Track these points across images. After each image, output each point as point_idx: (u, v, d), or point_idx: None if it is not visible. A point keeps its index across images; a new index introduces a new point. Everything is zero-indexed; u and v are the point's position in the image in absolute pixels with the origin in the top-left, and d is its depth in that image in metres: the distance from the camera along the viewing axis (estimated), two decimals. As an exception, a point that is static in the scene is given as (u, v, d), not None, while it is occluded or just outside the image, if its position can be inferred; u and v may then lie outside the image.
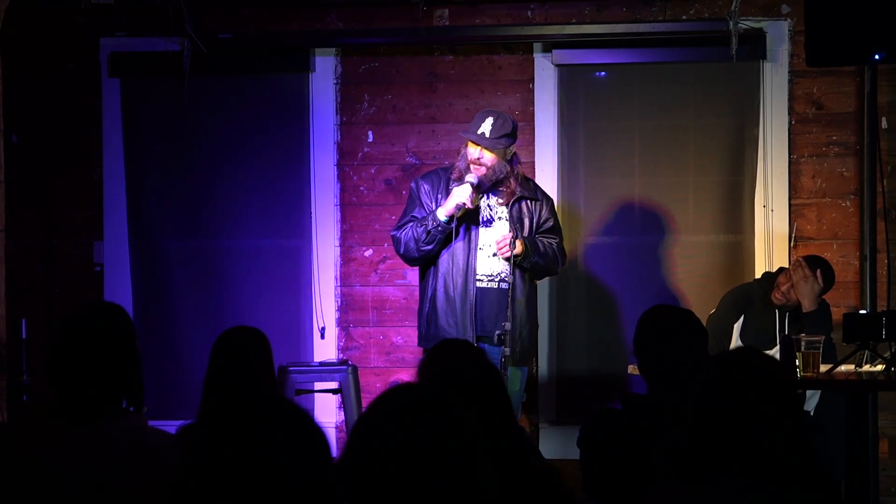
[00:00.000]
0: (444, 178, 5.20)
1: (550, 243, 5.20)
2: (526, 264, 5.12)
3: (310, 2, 6.17)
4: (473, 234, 5.12)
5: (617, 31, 6.06)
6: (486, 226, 5.15)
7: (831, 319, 5.38)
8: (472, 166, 5.09)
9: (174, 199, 6.28)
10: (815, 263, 5.35)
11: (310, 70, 6.21)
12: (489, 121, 5.09)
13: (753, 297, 5.48)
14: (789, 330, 5.30)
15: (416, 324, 5.32)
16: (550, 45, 6.12)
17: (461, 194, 5.03)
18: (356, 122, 6.23)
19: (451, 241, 5.10)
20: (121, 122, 6.27)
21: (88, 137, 6.28)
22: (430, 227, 5.06)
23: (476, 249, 5.11)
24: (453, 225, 5.05)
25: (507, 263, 5.06)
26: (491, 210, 5.17)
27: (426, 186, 5.21)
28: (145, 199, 6.28)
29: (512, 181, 5.16)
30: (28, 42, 6.20)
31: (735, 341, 5.41)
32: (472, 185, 5.04)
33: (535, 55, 6.15)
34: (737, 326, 5.43)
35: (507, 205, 5.15)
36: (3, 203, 5.21)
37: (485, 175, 5.09)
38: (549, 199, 5.34)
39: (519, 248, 5.03)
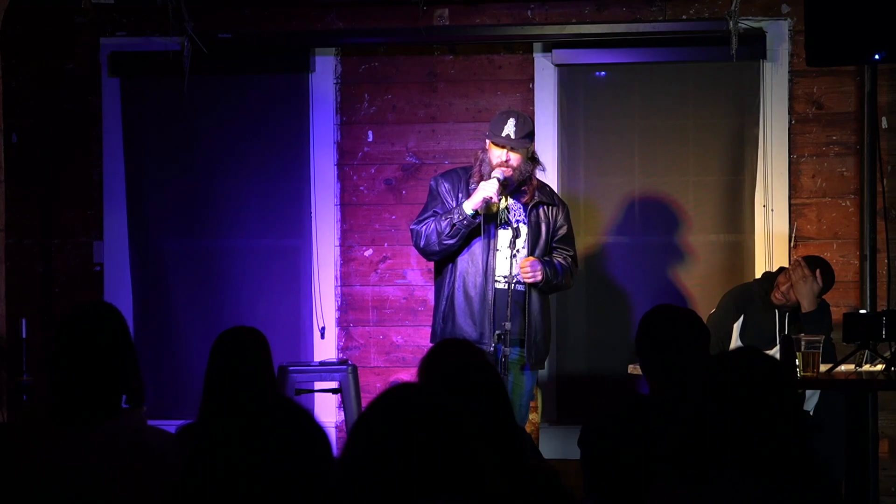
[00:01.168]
0: (464, 178, 5.19)
1: (566, 259, 5.21)
2: (544, 287, 5.13)
3: (310, 2, 6.17)
4: (493, 234, 5.11)
5: (617, 31, 6.06)
6: (505, 228, 5.14)
7: (831, 319, 5.38)
8: (498, 168, 5.07)
9: (174, 199, 6.28)
10: (815, 263, 5.35)
11: (310, 70, 6.21)
12: (511, 122, 5.06)
13: (753, 296, 5.48)
14: (789, 330, 5.30)
15: (421, 323, 5.32)
16: (550, 44, 6.12)
17: (488, 188, 5.01)
18: (356, 121, 6.23)
19: (474, 237, 5.09)
20: (121, 121, 6.26)
21: (88, 137, 6.28)
22: (455, 221, 5.03)
23: (495, 250, 5.10)
24: (479, 219, 5.05)
25: (512, 266, 5.07)
26: (510, 212, 5.16)
27: (446, 185, 5.20)
28: (145, 199, 6.28)
29: (534, 179, 5.17)
30: (28, 42, 6.20)
31: (735, 341, 5.41)
32: (498, 180, 5.03)
33: (535, 55, 6.15)
34: (736, 326, 5.43)
35: (527, 205, 5.14)
36: (3, 203, 5.21)
37: (511, 175, 5.09)
38: (565, 205, 5.32)
39: (539, 276, 5.05)
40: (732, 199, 6.09)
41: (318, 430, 1.90)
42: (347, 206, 6.23)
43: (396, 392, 1.96)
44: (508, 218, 5.13)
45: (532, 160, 5.15)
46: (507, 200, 5.13)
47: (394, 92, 6.22)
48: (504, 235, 5.11)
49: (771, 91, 6.02)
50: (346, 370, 5.52)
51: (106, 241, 6.28)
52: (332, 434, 6.04)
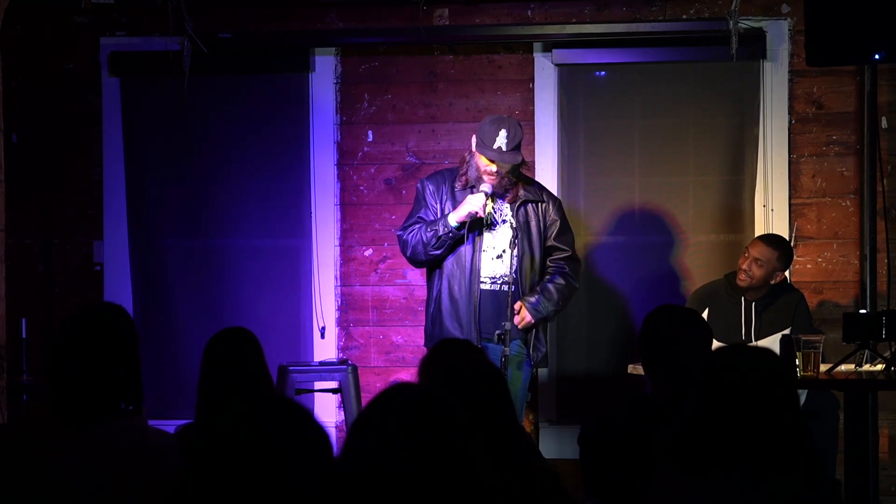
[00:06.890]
0: (449, 179, 5.18)
1: (563, 274, 5.17)
2: (548, 318, 5.18)
3: (310, 2, 6.17)
4: (478, 236, 5.10)
5: (617, 31, 6.06)
6: (491, 229, 5.14)
7: (805, 310, 5.39)
8: (485, 176, 5.06)
9: (174, 199, 6.28)
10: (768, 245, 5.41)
11: (310, 70, 6.21)
12: (503, 133, 4.98)
13: (719, 290, 5.54)
14: (756, 321, 5.34)
15: (421, 323, 5.32)
16: (550, 44, 6.12)
17: (475, 203, 5.00)
18: (356, 121, 6.23)
19: (459, 245, 5.09)
20: (121, 121, 6.26)
21: (88, 137, 6.27)
22: (440, 233, 5.03)
23: (480, 252, 5.09)
24: (464, 231, 5.04)
25: (508, 266, 5.06)
26: (496, 213, 5.15)
27: (431, 187, 5.19)
28: (145, 199, 6.28)
29: (520, 184, 5.15)
30: (28, 42, 6.19)
31: None
32: (486, 194, 5.02)
33: (535, 55, 6.15)
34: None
35: (513, 203, 5.13)
36: (3, 203, 5.21)
37: (498, 184, 5.07)
38: (557, 200, 5.30)
39: (529, 318, 5.06)
40: (732, 199, 6.09)
41: (318, 430, 1.90)
42: (347, 206, 6.23)
43: (396, 391, 1.96)
44: (493, 219, 5.12)
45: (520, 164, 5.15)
46: (491, 205, 5.09)
47: (394, 92, 6.22)
48: (490, 237, 5.10)
49: (771, 91, 6.01)
50: (346, 370, 5.52)
51: (106, 241, 6.27)
52: (332, 434, 6.04)
